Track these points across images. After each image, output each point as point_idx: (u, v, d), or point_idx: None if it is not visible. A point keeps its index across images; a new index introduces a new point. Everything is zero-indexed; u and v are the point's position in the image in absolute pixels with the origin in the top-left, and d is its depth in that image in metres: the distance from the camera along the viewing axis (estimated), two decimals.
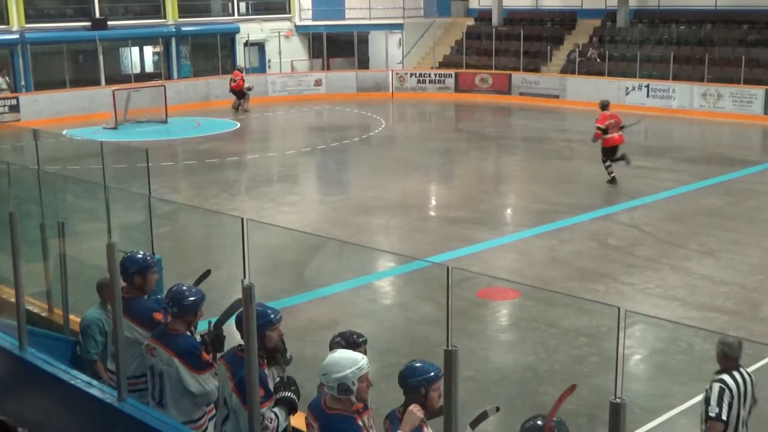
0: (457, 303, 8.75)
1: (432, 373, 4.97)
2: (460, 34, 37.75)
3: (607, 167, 19.02)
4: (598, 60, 32.88)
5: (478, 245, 14.36)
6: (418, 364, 5.10)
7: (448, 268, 5.90)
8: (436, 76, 35.61)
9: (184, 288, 5.90)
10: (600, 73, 32.27)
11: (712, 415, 6.32)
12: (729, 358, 6.64)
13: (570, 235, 15.06)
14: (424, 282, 12.47)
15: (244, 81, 31.01)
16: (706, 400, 6.41)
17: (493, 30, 36.28)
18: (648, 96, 30.77)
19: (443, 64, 36.66)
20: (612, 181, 18.90)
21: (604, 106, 19.52)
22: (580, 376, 9.39)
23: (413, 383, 4.99)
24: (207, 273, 6.68)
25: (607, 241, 14.72)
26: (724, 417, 6.28)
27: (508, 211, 18.28)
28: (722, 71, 29.92)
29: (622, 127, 19.29)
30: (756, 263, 13.51)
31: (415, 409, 4.92)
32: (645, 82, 30.98)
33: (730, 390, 6.38)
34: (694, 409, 8.62)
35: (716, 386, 6.43)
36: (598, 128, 19.13)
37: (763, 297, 11.91)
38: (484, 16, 38.35)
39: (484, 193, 19.08)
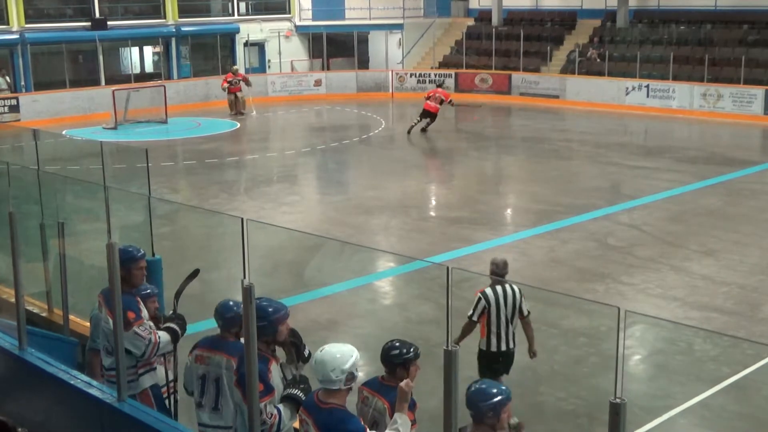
0: (457, 303, 8.70)
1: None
2: (459, 34, 37.75)
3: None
4: (598, 60, 32.87)
5: (477, 245, 14.35)
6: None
7: (447, 268, 5.90)
8: (436, 76, 35.57)
9: (229, 303, 5.94)
10: (600, 74, 32.27)
11: (467, 315, 8.14)
12: (496, 274, 8.24)
13: (570, 235, 15.06)
14: (423, 282, 12.48)
15: (227, 82, 30.57)
16: None
17: (493, 30, 36.27)
18: (648, 96, 30.78)
19: (443, 64, 36.65)
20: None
21: None
22: (580, 377, 9.40)
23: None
24: (195, 273, 6.69)
25: (606, 242, 14.72)
26: (474, 318, 8.12)
27: (508, 211, 18.29)
28: (722, 71, 29.92)
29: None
30: (756, 263, 13.52)
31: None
32: (645, 82, 30.97)
33: (488, 300, 8.09)
34: (693, 409, 8.65)
35: (476, 297, 8.14)
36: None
37: (762, 297, 11.91)
38: (483, 16, 38.35)
39: (484, 193, 19.09)
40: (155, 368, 6.46)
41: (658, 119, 29.00)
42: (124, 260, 6.22)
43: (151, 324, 6.27)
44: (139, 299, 6.32)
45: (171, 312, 6.53)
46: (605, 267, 13.30)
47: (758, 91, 28.65)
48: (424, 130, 26.14)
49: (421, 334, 8.75)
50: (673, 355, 10.04)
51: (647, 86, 30.87)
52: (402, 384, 5.14)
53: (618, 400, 4.51)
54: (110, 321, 6.02)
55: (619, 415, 4.75)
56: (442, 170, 22.39)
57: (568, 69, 33.53)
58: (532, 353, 8.46)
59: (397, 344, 5.53)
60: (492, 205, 18.09)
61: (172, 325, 6.40)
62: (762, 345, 9.99)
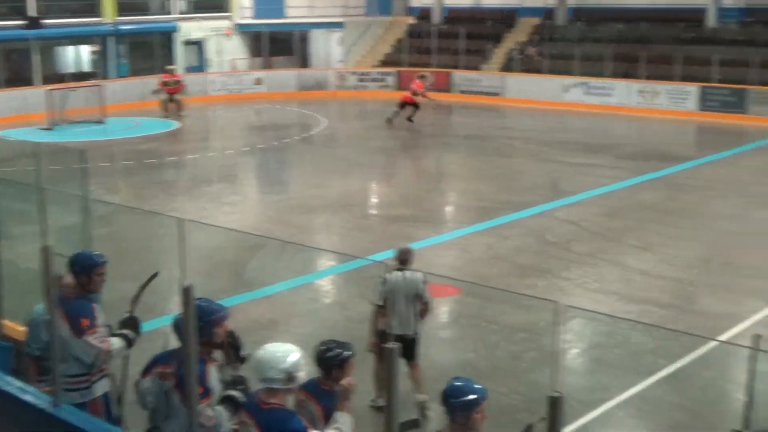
0: None
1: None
2: (401, 32, 37.85)
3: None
4: (538, 58, 33.21)
5: (419, 243, 14.39)
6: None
7: (386, 265, 5.90)
8: (377, 74, 35.66)
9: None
10: (539, 71, 32.62)
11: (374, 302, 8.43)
12: (400, 261, 8.49)
13: (510, 232, 15.21)
14: (365, 280, 12.46)
15: (163, 83, 30.16)
16: None
17: (434, 28, 36.45)
18: (587, 93, 31.19)
19: (384, 63, 36.73)
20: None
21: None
22: (520, 372, 9.50)
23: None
24: (154, 276, 6.62)
25: (546, 238, 14.88)
26: (380, 303, 8.34)
27: (449, 208, 18.40)
28: (658, 69, 30.44)
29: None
30: (691, 257, 13.79)
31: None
32: (584, 79, 31.39)
33: (386, 284, 8.31)
34: (631, 401, 8.79)
35: (377, 282, 8.41)
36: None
37: (698, 290, 12.16)
38: (424, 14, 38.50)
39: (426, 191, 19.17)
40: (109, 375, 6.38)
41: (597, 116, 29.42)
42: (85, 266, 6.20)
43: (104, 330, 6.19)
44: (95, 306, 6.23)
45: (126, 315, 6.42)
46: (544, 263, 13.45)
47: (693, 87, 29.23)
48: (410, 119, 27.15)
49: (362, 333, 8.76)
50: (611, 349, 10.20)
51: (586, 84, 31.29)
52: (344, 382, 5.14)
53: (556, 394, 4.58)
54: (63, 327, 5.93)
55: (557, 408, 4.82)
56: (384, 168, 22.43)
57: (508, 67, 33.82)
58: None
59: (332, 345, 5.51)
60: (433, 203, 18.18)
61: (126, 331, 6.28)
62: (697, 337, 10.18)
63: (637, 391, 8.95)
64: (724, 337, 10.18)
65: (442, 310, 11.35)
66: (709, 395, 9.03)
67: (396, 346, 4.29)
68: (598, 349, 10.21)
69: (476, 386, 4.99)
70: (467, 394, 4.92)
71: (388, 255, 13.40)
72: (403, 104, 27.29)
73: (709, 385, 9.19)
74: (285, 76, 35.92)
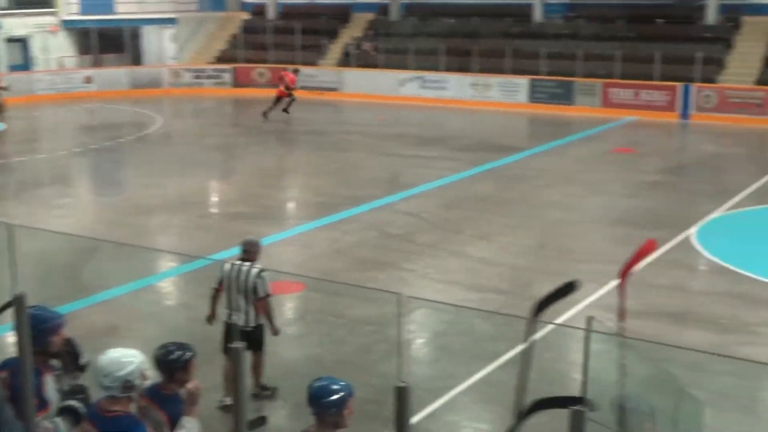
0: None
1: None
2: (235, 28, 37.44)
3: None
4: (374, 53, 33.54)
5: (261, 240, 14.28)
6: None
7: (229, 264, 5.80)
8: (213, 71, 35.14)
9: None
10: (375, 66, 32.96)
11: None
12: (242, 252, 8.64)
13: (351, 226, 15.30)
14: (207, 280, 12.22)
15: None
16: None
17: (269, 24, 36.22)
18: (422, 87, 31.75)
19: (220, 59, 36.24)
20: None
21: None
22: (368, 364, 9.56)
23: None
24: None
25: (387, 230, 15.06)
26: (214, 286, 8.62)
27: (290, 205, 18.34)
28: (490, 62, 31.34)
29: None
30: (526, 244, 14.26)
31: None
32: (419, 74, 31.94)
33: (223, 273, 8.54)
34: (476, 386, 9.01)
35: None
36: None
37: (534, 275, 12.57)
38: (259, 10, 38.20)
39: (266, 187, 19.03)
40: None
41: (433, 109, 29.99)
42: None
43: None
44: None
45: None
46: (387, 255, 13.61)
47: (523, 80, 30.25)
48: (285, 110, 27.69)
49: (206, 334, 8.62)
50: (455, 337, 10.41)
51: (421, 78, 31.85)
52: (190, 386, 5.04)
53: (402, 384, 4.63)
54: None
55: (404, 398, 4.87)
56: (222, 166, 22.12)
57: (344, 62, 34.00)
58: (272, 332, 8.65)
59: (173, 348, 5.38)
60: (274, 200, 18.08)
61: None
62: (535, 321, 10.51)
63: (482, 377, 9.19)
64: (560, 320, 10.56)
65: (288, 307, 11.31)
66: (549, 376, 9.34)
67: (241, 345, 4.24)
68: (443, 338, 10.42)
69: (341, 383, 5.01)
70: (335, 393, 4.93)
71: (229, 254, 13.25)
72: (278, 98, 27.74)
73: (549, 367, 9.52)
74: (116, 74, 34.86)
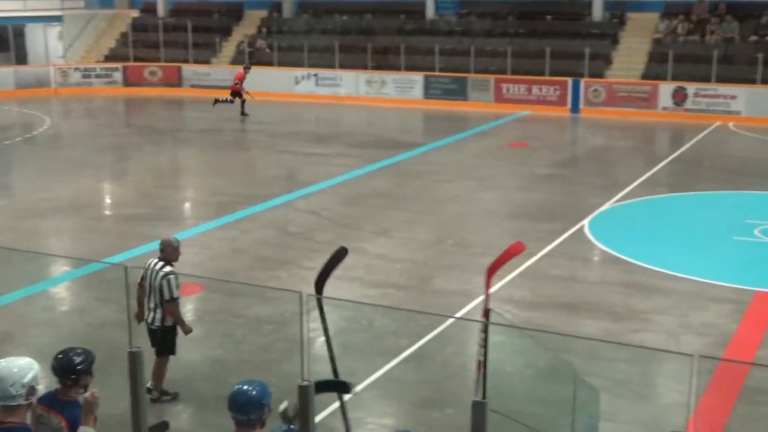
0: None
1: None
2: (125, 26, 36.65)
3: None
4: (268, 50, 33.32)
5: (157, 242, 14.00)
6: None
7: (125, 267, 5.70)
8: (102, 70, 34.34)
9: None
10: (270, 64, 32.75)
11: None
12: (159, 251, 8.59)
13: (250, 225, 15.17)
14: (103, 284, 11.99)
15: None
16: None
17: (160, 22, 35.60)
18: (317, 85, 31.71)
19: (109, 58, 35.43)
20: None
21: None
22: (270, 364, 9.50)
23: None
24: None
25: (287, 229, 14.99)
26: (138, 281, 8.52)
27: (187, 205, 18.07)
28: (384, 59, 31.49)
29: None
30: (424, 239, 14.39)
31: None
32: (313, 71, 31.88)
33: (144, 271, 8.49)
34: (378, 382, 9.05)
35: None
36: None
37: (432, 270, 12.70)
38: (149, 7, 37.51)
39: (161, 188, 18.69)
40: None
41: (328, 107, 29.97)
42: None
43: None
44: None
45: None
46: (287, 254, 13.55)
47: (417, 77, 30.51)
48: (243, 113, 27.58)
49: (104, 338, 8.44)
50: (356, 333, 10.43)
51: (316, 75, 31.79)
52: (88, 395, 4.91)
53: (305, 383, 4.62)
54: None
55: (307, 396, 4.87)
56: (115, 167, 21.64)
57: (238, 60, 33.67)
58: (185, 332, 8.65)
59: (71, 353, 5.23)
60: (170, 200, 17.79)
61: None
62: (435, 315, 10.64)
63: (384, 372, 9.24)
64: (459, 313, 10.72)
65: (188, 308, 11.13)
66: (450, 370, 9.48)
67: (137, 350, 4.17)
68: (344, 335, 10.41)
69: (260, 385, 5.04)
70: (258, 396, 4.97)
71: (125, 256, 12.99)
72: (234, 94, 27.81)
73: (450, 361, 9.65)
74: (0, 73, 33.69)
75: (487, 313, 5.70)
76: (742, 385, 8.89)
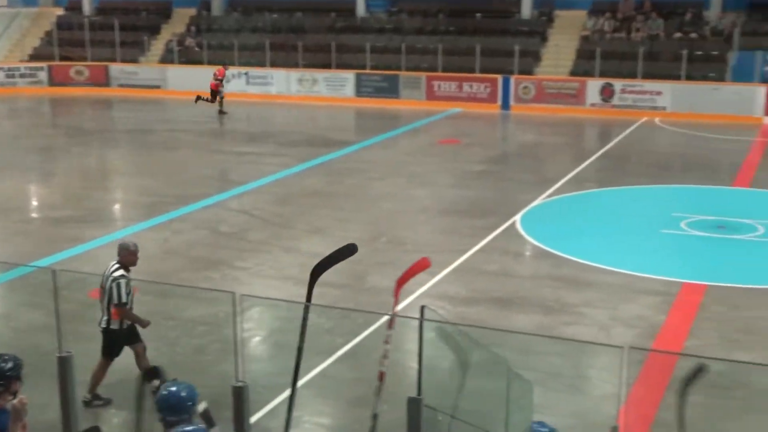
0: (67, 306, 8.33)
1: None
2: (49, 24, 35.93)
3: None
4: (197, 49, 32.99)
5: (87, 244, 13.81)
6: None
7: (53, 271, 5.58)
8: (27, 69, 33.60)
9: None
10: (200, 62, 32.42)
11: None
12: (118, 255, 8.53)
13: (182, 226, 15.00)
14: (30, 288, 11.74)
15: None
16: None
17: (86, 20, 34.97)
18: (248, 83, 31.48)
19: (34, 57, 34.69)
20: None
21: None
22: (204, 365, 9.41)
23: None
24: None
25: (219, 229, 14.85)
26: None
27: (117, 206, 17.78)
28: (315, 57, 31.40)
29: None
30: (358, 237, 14.32)
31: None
32: (244, 69, 31.64)
33: (103, 274, 8.42)
34: (314, 380, 9.03)
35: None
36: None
37: (366, 268, 12.69)
38: (74, 5, 36.83)
39: (90, 189, 18.36)
40: None
41: (259, 105, 29.79)
42: None
43: None
44: None
45: None
46: (219, 254, 13.42)
47: (349, 75, 30.50)
48: (221, 112, 27.32)
49: (32, 343, 8.26)
50: (291, 333, 10.35)
51: (246, 74, 31.56)
52: (15, 402, 4.80)
53: (240, 383, 4.59)
54: None
55: (242, 397, 4.84)
56: (42, 168, 21.18)
57: (167, 59, 33.28)
58: (142, 326, 8.66)
59: (7, 357, 5.15)
60: (99, 201, 17.47)
61: None
62: (369, 313, 10.64)
63: (319, 371, 9.21)
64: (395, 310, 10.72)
65: None
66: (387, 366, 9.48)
67: (67, 354, 4.09)
68: (279, 335, 10.38)
69: (188, 387, 5.03)
70: (186, 398, 4.95)
71: (53, 260, 12.74)
72: (214, 93, 27.62)
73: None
74: None
75: (391, 322, 5.88)
76: (672, 375, 9.07)
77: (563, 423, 8.23)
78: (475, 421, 7.45)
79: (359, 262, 13.01)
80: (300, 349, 6.40)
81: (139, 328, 8.62)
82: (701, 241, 14.08)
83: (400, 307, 10.85)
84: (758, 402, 8.58)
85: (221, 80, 27.61)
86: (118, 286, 8.31)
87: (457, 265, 12.67)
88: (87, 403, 8.29)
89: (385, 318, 10.46)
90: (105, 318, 8.42)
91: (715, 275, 12.38)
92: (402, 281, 5.93)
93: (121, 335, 8.51)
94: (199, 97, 27.69)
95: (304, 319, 6.32)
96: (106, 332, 8.46)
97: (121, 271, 8.40)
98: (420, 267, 6.00)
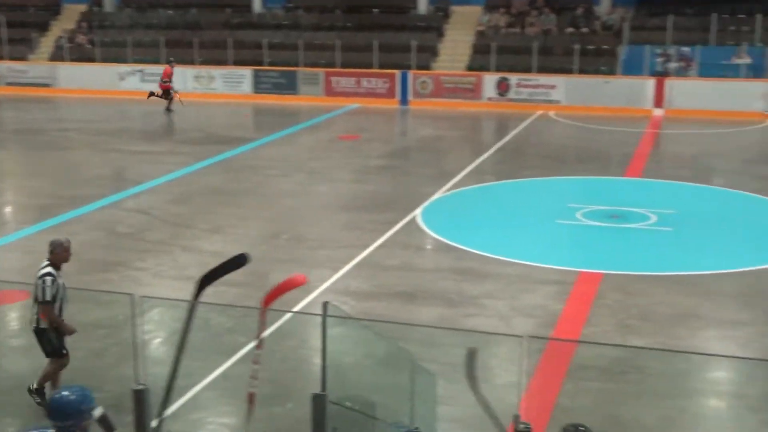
0: None
1: None
2: None
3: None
4: (89, 46, 32.22)
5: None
6: None
7: None
8: None
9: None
10: (92, 60, 31.70)
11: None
12: (48, 252, 8.51)
13: (77, 227, 14.63)
14: None
15: None
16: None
17: None
18: (143, 81, 30.88)
19: None
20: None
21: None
22: (103, 369, 9.22)
23: None
24: None
25: (116, 230, 14.54)
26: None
27: (7, 209, 17.23)
28: (212, 54, 31.03)
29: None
30: (259, 234, 14.28)
31: None
32: (138, 66, 31.04)
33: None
34: (216, 381, 8.93)
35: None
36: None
37: (268, 266, 12.61)
38: None
39: None
40: None
41: (156, 103, 29.25)
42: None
43: None
44: None
45: None
46: (117, 255, 13.14)
47: (246, 71, 30.24)
48: (168, 109, 26.83)
49: None
50: (192, 333, 10.21)
51: (141, 71, 30.98)
52: None
53: (140, 387, 4.50)
54: None
55: (143, 400, 4.75)
56: None
57: (57, 56, 32.41)
58: (67, 333, 8.60)
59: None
60: None
61: None
62: (272, 311, 10.57)
63: (222, 372, 9.12)
64: (298, 307, 10.70)
65: (12, 317, 10.68)
66: (291, 364, 9.46)
67: None
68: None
69: (81, 391, 4.88)
70: (76, 402, 4.80)
71: None
72: (166, 92, 27.12)
73: (290, 355, 9.63)
74: None
75: (259, 344, 5.74)
76: (570, 362, 9.29)
77: (467, 413, 8.35)
78: (381, 414, 7.49)
79: (261, 259, 12.95)
80: (180, 349, 6.22)
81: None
82: (596, 230, 14.45)
83: (304, 303, 10.85)
84: (651, 385, 8.86)
85: (169, 81, 27.15)
86: (43, 283, 8.22)
87: (360, 260, 12.71)
88: (31, 392, 8.37)
89: (288, 315, 10.45)
90: (35, 317, 8.34)
91: (611, 264, 12.73)
92: (271, 297, 5.68)
93: (54, 333, 8.40)
94: (152, 93, 27.53)
95: (189, 319, 6.17)
96: (38, 332, 8.37)
97: (48, 269, 8.29)
98: (291, 284, 5.61)
